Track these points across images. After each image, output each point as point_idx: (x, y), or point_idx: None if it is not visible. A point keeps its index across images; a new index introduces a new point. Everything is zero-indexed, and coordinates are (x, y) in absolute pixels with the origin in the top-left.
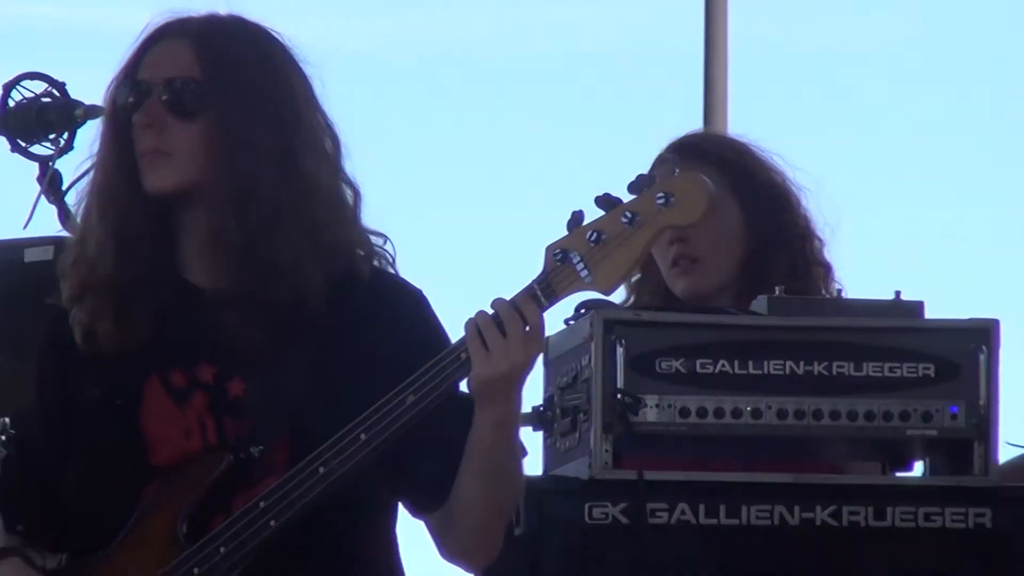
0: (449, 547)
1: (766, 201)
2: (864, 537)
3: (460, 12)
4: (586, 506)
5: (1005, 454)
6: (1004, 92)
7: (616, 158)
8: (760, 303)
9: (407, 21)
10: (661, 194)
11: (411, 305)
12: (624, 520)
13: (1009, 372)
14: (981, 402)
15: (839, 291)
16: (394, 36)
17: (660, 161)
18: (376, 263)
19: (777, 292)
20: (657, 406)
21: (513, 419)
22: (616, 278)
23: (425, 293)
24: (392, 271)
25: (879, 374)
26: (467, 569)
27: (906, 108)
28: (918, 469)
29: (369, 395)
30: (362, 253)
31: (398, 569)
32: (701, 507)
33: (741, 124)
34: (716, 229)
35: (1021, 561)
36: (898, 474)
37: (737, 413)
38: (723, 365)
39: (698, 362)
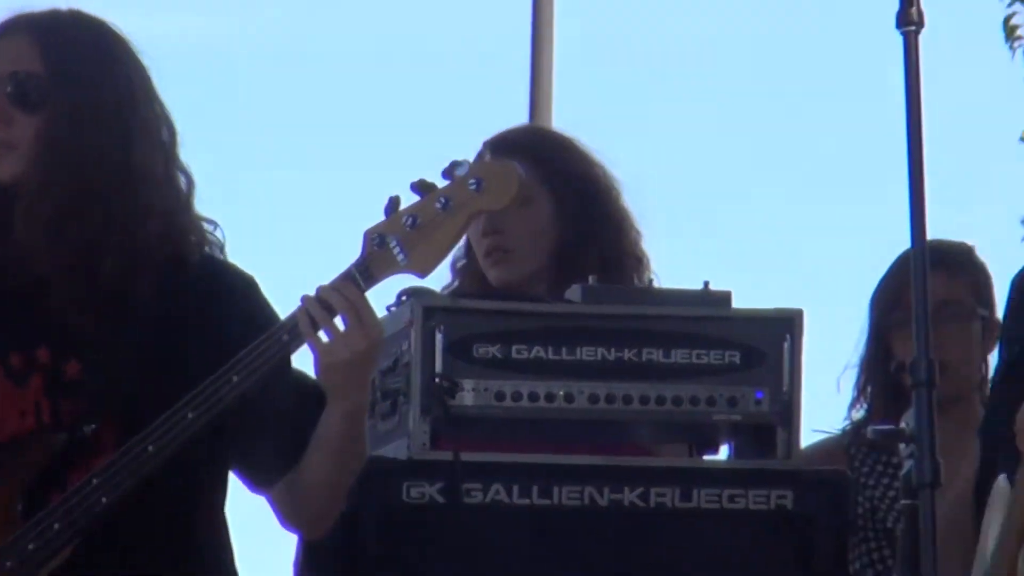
0: (288, 517)
1: (579, 194)
2: (670, 517)
3: (291, 4)
4: (404, 485)
5: (809, 439)
6: (809, 89)
7: (445, 150)
8: (574, 292)
9: (230, 14)
10: (473, 180)
11: (242, 289)
12: (440, 499)
13: (812, 360)
14: (785, 389)
15: (651, 281)
16: (216, 30)
17: (479, 155)
18: (207, 249)
19: (591, 281)
20: (474, 390)
21: (363, 409)
22: (431, 261)
23: (256, 279)
24: (222, 257)
25: (687, 361)
26: (301, 536)
27: (720, 103)
28: (725, 453)
29: (200, 377)
30: (194, 239)
31: (228, 544)
32: (515, 487)
33: (567, 118)
34: (527, 221)
35: (818, 540)
36: (705, 457)
37: (551, 397)
38: (538, 351)
39: (514, 348)
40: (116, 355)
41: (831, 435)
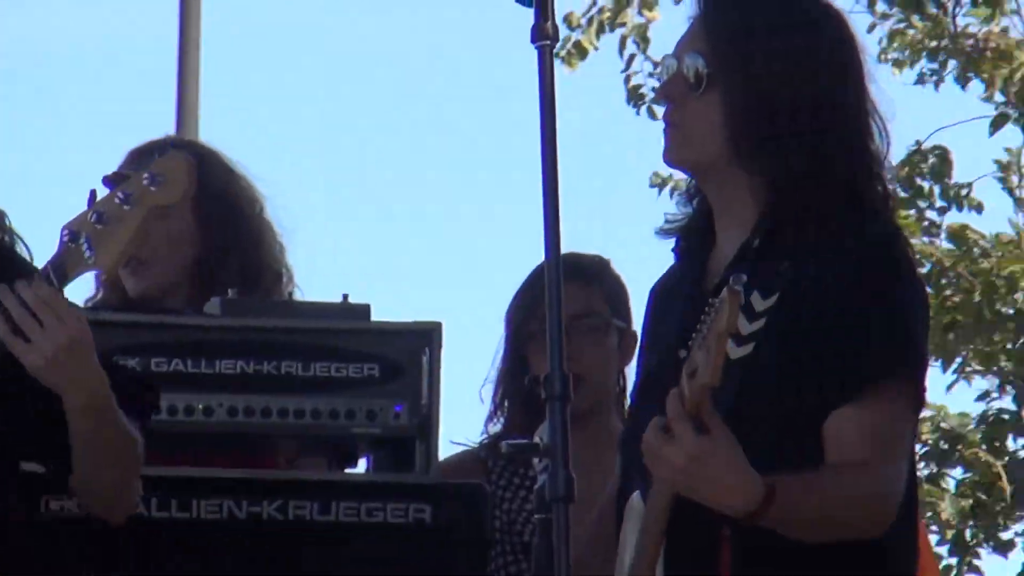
0: (88, 509)
1: (220, 207)
2: (310, 531)
3: None
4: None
5: (449, 451)
6: (455, 101)
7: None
8: (213, 305)
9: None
10: (148, 175)
11: None
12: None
13: (450, 372)
14: (423, 402)
15: (292, 294)
16: None
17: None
18: None
19: (230, 294)
20: None
21: (101, 403)
22: (114, 258)
23: None
24: None
25: (326, 374)
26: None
27: (366, 115)
28: (364, 466)
29: None
30: None
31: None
32: (153, 501)
33: (213, 130)
34: (164, 233)
35: (457, 554)
36: (345, 471)
37: (190, 411)
38: (176, 364)
39: (153, 361)
40: None
41: (470, 448)
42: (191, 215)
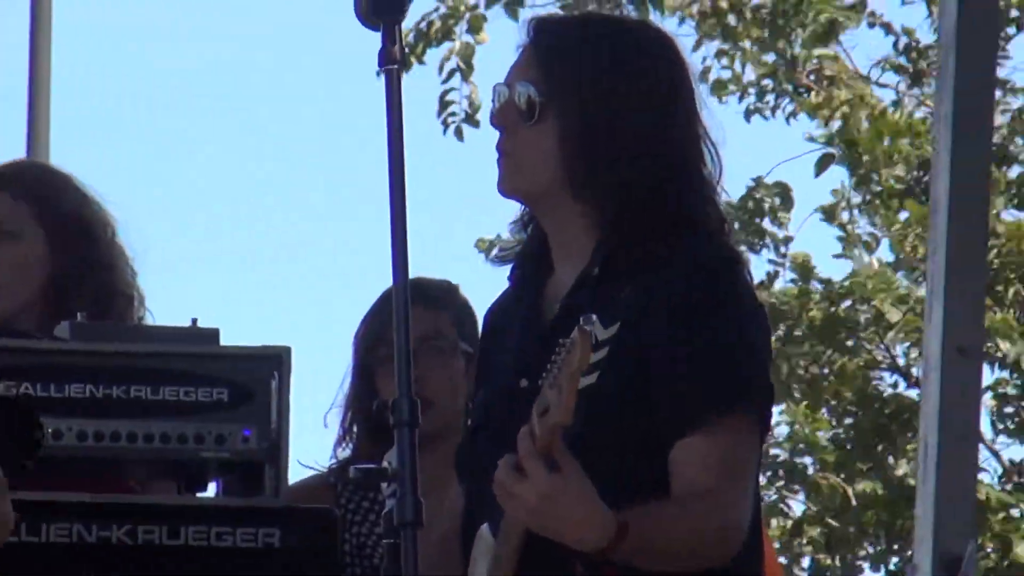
0: None
1: (72, 231)
2: (159, 555)
3: None
4: None
5: (299, 474)
6: (305, 125)
7: None
8: (63, 329)
9: None
10: None
11: None
12: None
13: (299, 396)
14: (273, 426)
15: (142, 319)
16: None
17: None
18: None
19: (80, 318)
20: None
21: None
22: None
23: None
24: None
25: (175, 398)
26: None
27: (218, 140)
28: (215, 490)
29: None
30: None
31: None
32: None
33: (64, 153)
34: (16, 256)
35: None
36: (195, 495)
37: None
38: (26, 388)
39: (1, 384)
40: None
41: (319, 472)
42: (43, 239)
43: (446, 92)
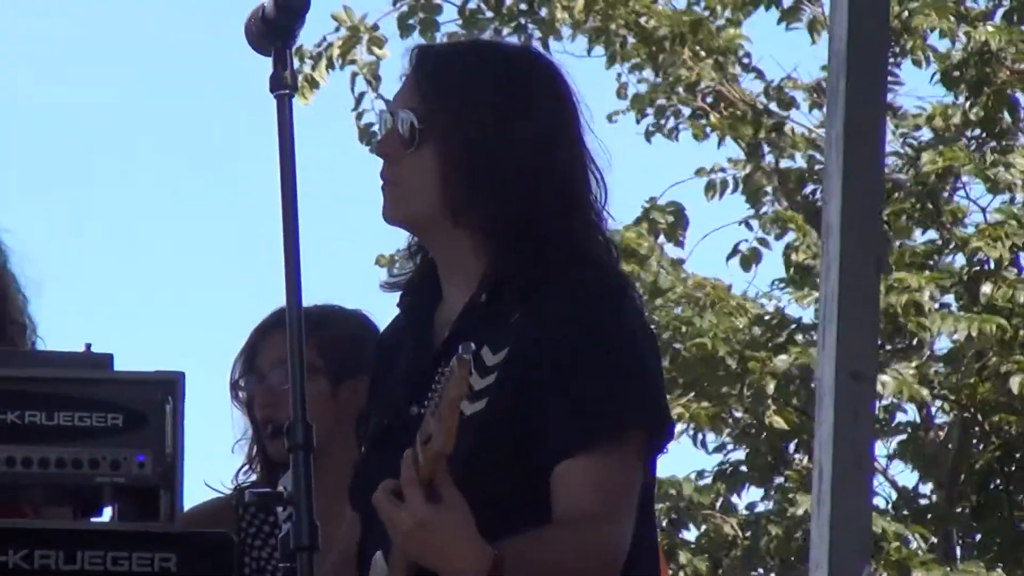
0: None
1: None
2: None
3: None
4: None
5: (203, 495)
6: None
7: None
8: None
9: None
10: None
11: None
12: None
13: (193, 420)
14: (167, 451)
15: (34, 344)
16: None
17: None
18: None
19: None
20: None
21: None
22: None
23: None
24: None
25: (69, 423)
26: None
27: (115, 165)
28: (111, 515)
29: None
30: None
31: None
32: None
33: None
34: None
35: None
36: (90, 520)
37: None
38: None
39: None
40: None
41: (222, 495)
42: None
43: (360, 114)
